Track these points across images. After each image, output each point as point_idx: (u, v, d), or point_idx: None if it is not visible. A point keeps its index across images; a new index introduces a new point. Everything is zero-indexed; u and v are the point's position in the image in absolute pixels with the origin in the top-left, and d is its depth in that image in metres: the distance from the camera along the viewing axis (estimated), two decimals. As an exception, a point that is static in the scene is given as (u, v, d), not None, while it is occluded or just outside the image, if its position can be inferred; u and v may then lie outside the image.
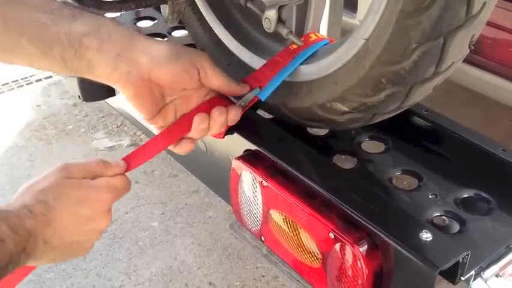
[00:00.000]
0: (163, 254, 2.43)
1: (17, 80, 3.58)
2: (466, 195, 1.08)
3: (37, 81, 3.60)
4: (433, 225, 1.02)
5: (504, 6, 1.74)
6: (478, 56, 1.90)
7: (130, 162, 1.01)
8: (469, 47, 0.93)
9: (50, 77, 3.61)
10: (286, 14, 1.07)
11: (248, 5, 1.15)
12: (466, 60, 1.94)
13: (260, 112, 1.25)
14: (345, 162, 1.19)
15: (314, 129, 1.26)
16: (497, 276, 0.97)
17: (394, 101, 0.99)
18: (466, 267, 0.89)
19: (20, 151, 3.03)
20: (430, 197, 1.09)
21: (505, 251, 1.00)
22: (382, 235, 0.90)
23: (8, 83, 3.56)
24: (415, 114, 1.20)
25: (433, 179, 1.12)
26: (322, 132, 1.26)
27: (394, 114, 1.06)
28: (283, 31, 1.07)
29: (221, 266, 2.37)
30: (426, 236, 0.89)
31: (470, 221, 1.03)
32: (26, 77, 3.60)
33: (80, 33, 0.94)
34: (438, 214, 1.04)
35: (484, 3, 0.86)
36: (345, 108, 1.04)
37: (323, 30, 1.31)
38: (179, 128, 1.06)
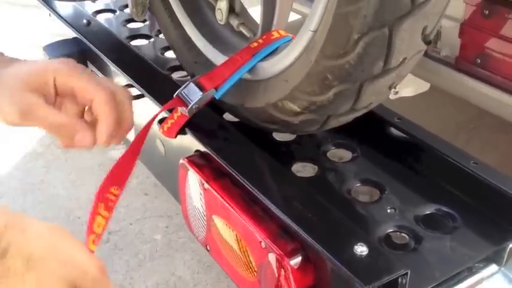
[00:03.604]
0: (161, 268, 2.35)
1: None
2: (428, 211, 0.96)
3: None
4: (384, 242, 0.91)
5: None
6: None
7: None
8: (424, 41, 0.83)
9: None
10: (239, 5, 1.00)
11: (207, -3, 1.09)
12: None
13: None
14: (306, 170, 1.09)
15: (280, 135, 1.17)
16: (450, 303, 0.85)
17: (345, 100, 0.90)
18: (406, 288, 0.78)
19: (37, 157, 3.03)
20: (388, 211, 0.97)
21: (466, 275, 0.88)
22: (313, 246, 0.80)
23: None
24: (387, 122, 1.10)
25: (396, 192, 1.01)
26: (289, 138, 1.17)
27: (351, 117, 0.96)
28: (235, 22, 1.00)
29: (218, 284, 2.27)
30: (361, 249, 0.78)
31: (427, 239, 0.91)
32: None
33: None
34: (392, 230, 0.93)
35: (432, -9, 0.77)
36: (296, 108, 0.95)
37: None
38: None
